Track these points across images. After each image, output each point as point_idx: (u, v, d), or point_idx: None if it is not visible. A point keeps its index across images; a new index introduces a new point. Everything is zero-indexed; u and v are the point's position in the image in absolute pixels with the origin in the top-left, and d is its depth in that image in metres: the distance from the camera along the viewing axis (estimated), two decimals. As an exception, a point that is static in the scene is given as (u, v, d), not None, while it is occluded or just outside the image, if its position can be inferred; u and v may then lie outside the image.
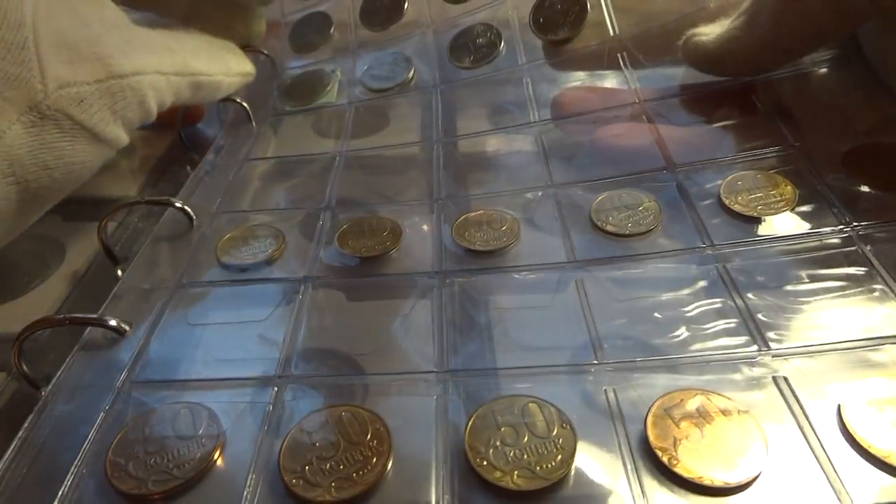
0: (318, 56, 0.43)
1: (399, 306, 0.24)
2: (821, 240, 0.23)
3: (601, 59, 0.34)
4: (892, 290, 0.21)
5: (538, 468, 0.17)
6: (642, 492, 0.17)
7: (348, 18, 0.44)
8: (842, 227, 0.23)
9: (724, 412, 0.18)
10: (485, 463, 0.18)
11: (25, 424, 0.20)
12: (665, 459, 0.17)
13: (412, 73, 0.39)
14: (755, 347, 0.20)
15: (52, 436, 0.20)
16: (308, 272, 0.26)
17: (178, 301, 0.25)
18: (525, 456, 0.18)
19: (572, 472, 0.17)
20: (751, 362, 0.19)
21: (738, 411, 0.18)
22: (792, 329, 0.20)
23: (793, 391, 0.18)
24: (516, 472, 0.17)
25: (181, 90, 0.28)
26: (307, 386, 0.21)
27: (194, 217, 0.30)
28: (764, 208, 0.24)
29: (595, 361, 0.20)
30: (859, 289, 0.21)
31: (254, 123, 0.38)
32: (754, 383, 0.19)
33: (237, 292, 0.26)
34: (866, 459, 0.16)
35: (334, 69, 0.41)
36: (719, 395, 0.18)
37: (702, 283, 0.22)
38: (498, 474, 0.17)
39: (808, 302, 0.21)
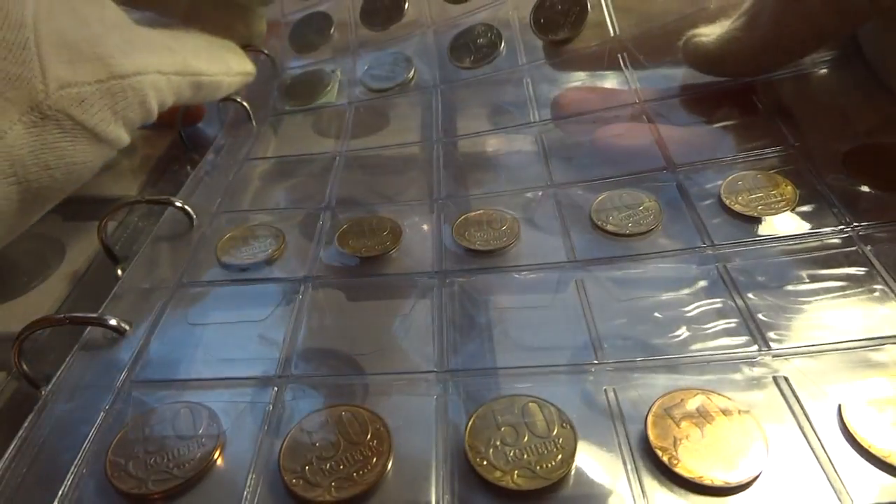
0: (319, 56, 0.43)
1: (399, 306, 0.24)
2: (821, 240, 0.23)
3: (601, 60, 0.34)
4: (892, 290, 0.21)
5: (538, 468, 0.17)
6: (642, 491, 0.17)
7: (348, 18, 0.44)
8: (842, 227, 0.23)
9: (725, 412, 0.18)
10: (485, 463, 0.18)
11: (25, 424, 0.20)
12: (665, 459, 0.17)
13: (412, 73, 0.39)
14: (755, 347, 0.20)
15: (52, 435, 0.20)
16: (308, 272, 0.26)
17: (178, 301, 0.25)
18: (525, 456, 0.18)
19: (572, 472, 0.17)
20: (751, 362, 0.19)
21: (739, 411, 0.18)
22: (792, 329, 0.20)
23: (793, 391, 0.18)
24: (516, 472, 0.17)
25: (182, 90, 0.28)
26: (307, 386, 0.21)
27: (194, 217, 0.30)
28: (764, 208, 0.24)
29: (595, 361, 0.20)
30: (860, 289, 0.21)
31: (254, 123, 0.38)
32: (755, 383, 0.19)
33: (237, 292, 0.26)
34: (866, 459, 0.16)
35: (334, 69, 0.41)
36: (720, 394, 0.18)
37: (702, 283, 0.22)
38: (498, 474, 0.17)
39: (808, 302, 0.21)
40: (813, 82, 0.30)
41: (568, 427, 0.18)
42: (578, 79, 0.35)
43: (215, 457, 0.19)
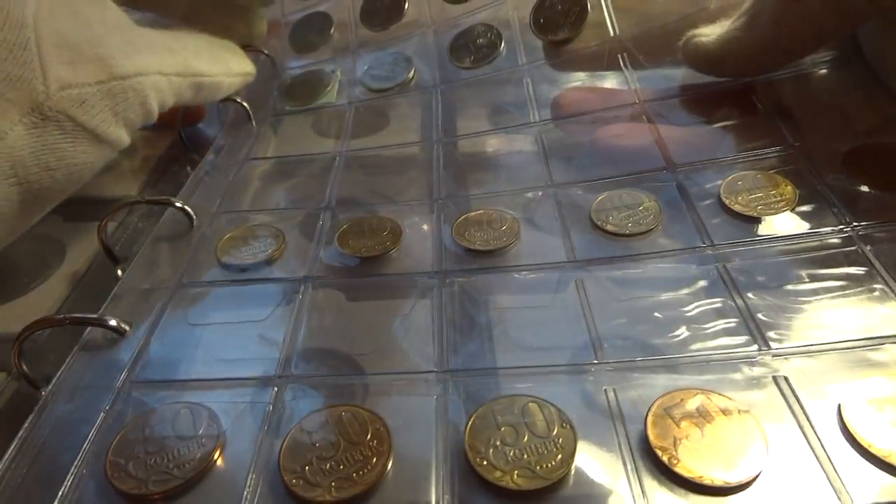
0: (319, 56, 0.43)
1: (399, 306, 0.24)
2: (821, 240, 0.23)
3: (601, 60, 0.34)
4: (891, 290, 0.21)
5: (538, 468, 0.17)
6: (642, 491, 0.17)
7: (348, 18, 0.44)
8: (842, 226, 0.23)
9: (725, 412, 0.18)
10: (485, 463, 0.18)
11: (25, 424, 0.20)
12: (665, 459, 0.17)
13: (412, 73, 0.39)
14: (755, 347, 0.20)
15: (52, 436, 0.20)
16: (308, 272, 0.26)
17: (178, 301, 0.25)
18: (525, 456, 0.18)
19: (572, 472, 0.17)
20: (751, 362, 0.19)
21: (739, 411, 0.18)
22: (792, 329, 0.20)
23: (793, 391, 0.18)
24: (516, 472, 0.17)
25: (182, 91, 0.28)
26: (307, 386, 0.21)
27: (194, 217, 0.30)
28: (764, 208, 0.24)
29: (595, 361, 0.20)
30: (859, 288, 0.21)
31: (254, 123, 0.38)
32: (754, 383, 0.19)
33: (237, 292, 0.26)
34: (866, 459, 0.16)
35: (334, 69, 0.41)
36: (719, 394, 0.18)
37: (702, 283, 0.22)
38: (498, 474, 0.17)
39: (808, 302, 0.21)
40: (813, 82, 0.30)
41: (568, 427, 0.18)
42: (578, 79, 0.35)
43: (215, 457, 0.19)
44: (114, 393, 0.21)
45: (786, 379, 0.19)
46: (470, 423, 0.19)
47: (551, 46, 0.37)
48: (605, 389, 0.19)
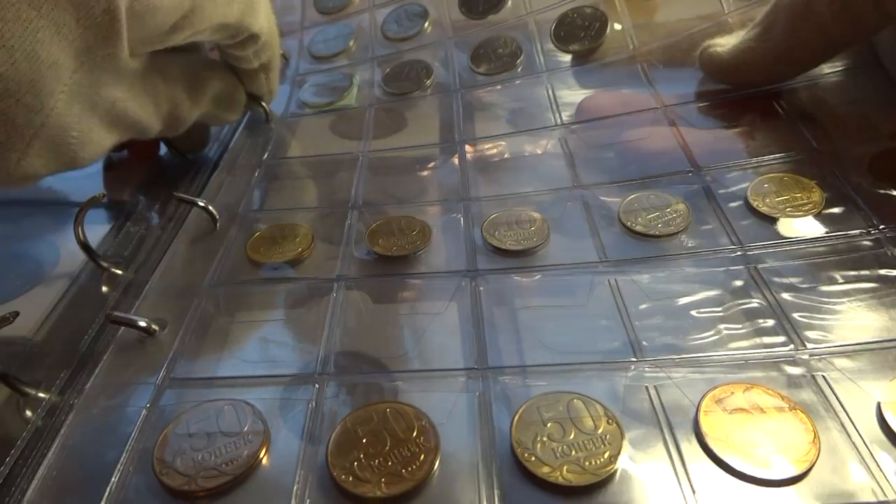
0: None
1: (433, 304, 0.24)
2: (849, 242, 0.23)
3: (622, 69, 0.35)
4: (923, 291, 0.21)
5: (587, 464, 0.17)
6: (692, 487, 0.17)
7: (370, 30, 0.44)
8: (870, 229, 0.23)
9: (776, 406, 0.18)
10: (533, 458, 0.18)
11: (67, 421, 0.21)
12: (716, 450, 0.17)
13: (431, 78, 0.39)
14: (792, 346, 0.20)
15: (94, 435, 0.20)
16: (340, 271, 0.26)
17: (211, 300, 0.25)
18: (573, 452, 0.18)
19: (620, 468, 0.18)
20: (789, 361, 0.20)
21: (790, 406, 0.18)
22: (828, 329, 0.20)
23: (832, 390, 0.19)
24: (566, 467, 0.17)
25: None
26: (348, 383, 0.21)
27: (218, 217, 0.30)
28: (792, 210, 0.25)
29: (634, 359, 0.21)
30: (892, 289, 0.21)
31: (272, 125, 0.38)
32: (794, 381, 0.19)
33: (270, 291, 0.26)
34: (908, 455, 0.17)
35: (353, 73, 0.42)
36: (770, 389, 0.19)
37: (734, 284, 0.23)
38: (547, 469, 0.18)
39: (841, 302, 0.21)
40: (834, 88, 0.30)
41: (614, 424, 0.18)
42: (601, 85, 0.35)
43: (262, 453, 0.19)
44: (154, 391, 0.21)
45: (825, 378, 0.19)
46: (515, 419, 0.19)
47: (572, 58, 0.37)
48: (647, 387, 0.20)
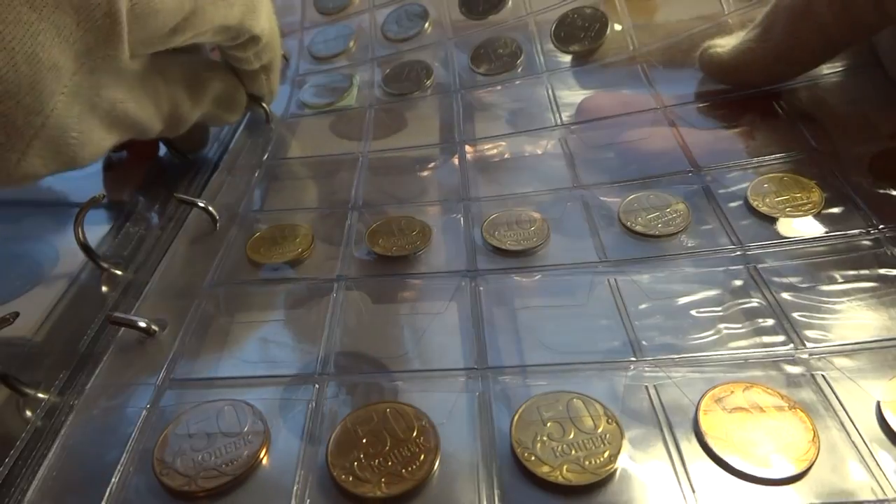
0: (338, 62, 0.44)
1: (433, 305, 0.24)
2: (849, 242, 0.23)
3: (622, 70, 0.35)
4: (923, 291, 0.21)
5: (586, 463, 0.18)
6: (691, 487, 0.17)
7: (370, 31, 0.44)
8: (869, 229, 0.23)
9: (775, 405, 0.18)
10: (532, 458, 0.18)
11: (67, 422, 0.21)
12: (716, 449, 0.17)
13: (431, 78, 0.39)
14: (792, 346, 0.20)
15: (95, 435, 0.20)
16: (340, 271, 0.26)
17: (210, 300, 0.25)
18: (573, 451, 0.18)
19: (620, 467, 0.18)
20: (789, 360, 0.20)
21: (789, 406, 0.18)
22: (827, 328, 0.20)
23: (832, 389, 0.19)
24: (566, 467, 0.17)
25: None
26: (348, 383, 0.21)
27: (218, 218, 0.30)
28: (792, 210, 0.25)
29: (634, 359, 0.21)
30: (891, 289, 0.21)
31: (272, 125, 0.38)
32: (794, 381, 0.19)
33: (270, 291, 0.26)
34: (908, 454, 0.17)
35: (353, 74, 0.42)
36: (769, 388, 0.19)
37: (734, 283, 0.23)
38: (546, 468, 0.18)
39: (841, 302, 0.21)
40: (834, 88, 0.30)
41: (614, 423, 0.18)
42: (600, 86, 0.35)
43: (262, 454, 0.19)
44: (154, 391, 0.21)
45: (824, 377, 0.19)
46: (515, 418, 0.19)
47: (572, 58, 0.37)
48: (646, 387, 0.20)
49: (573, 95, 0.35)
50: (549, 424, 0.19)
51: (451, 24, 0.43)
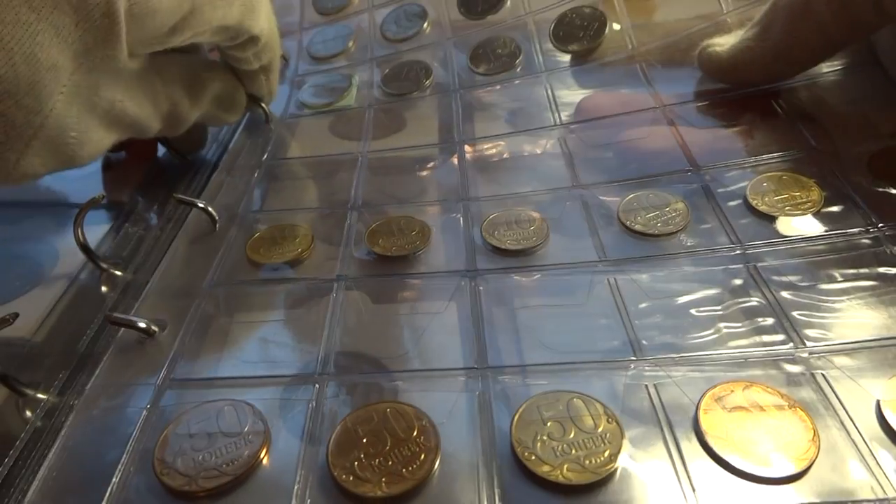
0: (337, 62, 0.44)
1: (433, 304, 0.24)
2: (849, 240, 0.23)
3: (621, 69, 0.35)
4: (922, 289, 0.21)
5: (587, 462, 0.18)
6: (692, 486, 0.17)
7: (369, 31, 0.44)
8: (869, 227, 0.23)
9: (775, 404, 0.18)
10: (533, 457, 0.18)
11: (67, 422, 0.21)
12: (716, 448, 0.17)
13: (431, 78, 0.39)
14: (791, 345, 0.20)
15: (95, 436, 0.20)
16: (340, 271, 0.26)
17: (210, 301, 0.25)
18: (573, 451, 0.18)
19: (620, 466, 0.18)
20: (789, 359, 0.20)
21: (789, 405, 0.18)
22: (827, 327, 0.20)
23: (832, 388, 0.19)
24: (566, 466, 0.17)
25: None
26: (348, 383, 0.21)
27: (217, 218, 0.30)
28: (791, 209, 0.25)
29: (634, 358, 0.21)
30: (891, 288, 0.21)
31: (272, 126, 0.38)
32: (793, 380, 0.19)
33: (270, 291, 0.26)
34: (907, 453, 0.17)
35: (352, 74, 0.42)
36: (769, 387, 0.19)
37: (734, 282, 0.23)
38: (547, 468, 0.18)
39: (841, 300, 0.21)
40: (833, 87, 0.30)
41: (614, 423, 0.18)
42: (599, 85, 0.35)
43: (263, 453, 0.19)
44: (154, 391, 0.21)
45: (824, 376, 0.19)
46: (515, 418, 0.19)
47: (571, 58, 0.37)
48: (646, 386, 0.20)
49: (572, 95, 0.35)
50: (549, 424, 0.19)
51: (449, 24, 0.43)
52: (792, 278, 0.22)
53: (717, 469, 0.17)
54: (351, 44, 0.44)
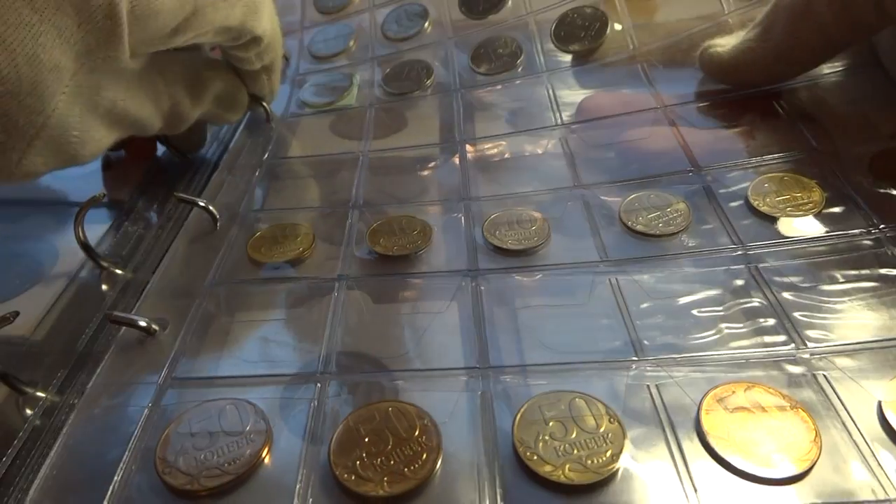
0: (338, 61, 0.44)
1: (434, 304, 0.24)
2: (850, 241, 0.23)
3: (623, 69, 0.35)
4: (923, 291, 0.21)
5: (589, 462, 0.18)
6: (693, 486, 0.17)
7: (370, 30, 0.44)
8: (870, 228, 0.23)
9: (777, 405, 0.18)
10: (535, 457, 0.18)
11: (69, 421, 0.20)
12: (717, 449, 0.17)
13: (432, 78, 0.39)
14: (793, 346, 0.20)
15: (97, 434, 0.20)
16: (341, 271, 0.26)
17: (211, 300, 0.25)
18: (575, 451, 0.18)
19: (622, 467, 0.18)
20: (790, 360, 0.20)
21: (791, 405, 0.18)
22: (828, 328, 0.20)
23: (833, 388, 0.19)
24: (568, 466, 0.17)
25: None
26: (350, 382, 0.21)
27: (218, 217, 0.30)
28: (792, 210, 0.25)
29: (635, 358, 0.21)
30: (892, 288, 0.21)
31: (272, 125, 0.38)
32: (795, 380, 0.19)
33: (271, 290, 0.26)
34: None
35: (353, 73, 0.42)
36: (771, 388, 0.19)
37: (735, 283, 0.23)
38: (549, 468, 0.18)
39: (842, 301, 0.21)
40: (834, 88, 0.30)
41: (616, 423, 0.18)
42: (601, 85, 0.35)
43: (265, 453, 0.19)
44: (155, 390, 0.21)
45: (826, 377, 0.19)
46: (517, 418, 0.19)
47: (573, 58, 0.38)
48: (648, 386, 0.20)
49: (573, 95, 0.35)
50: (551, 424, 0.19)
51: (451, 24, 0.43)
52: (793, 279, 0.22)
53: (719, 469, 0.17)
54: (352, 43, 0.44)
